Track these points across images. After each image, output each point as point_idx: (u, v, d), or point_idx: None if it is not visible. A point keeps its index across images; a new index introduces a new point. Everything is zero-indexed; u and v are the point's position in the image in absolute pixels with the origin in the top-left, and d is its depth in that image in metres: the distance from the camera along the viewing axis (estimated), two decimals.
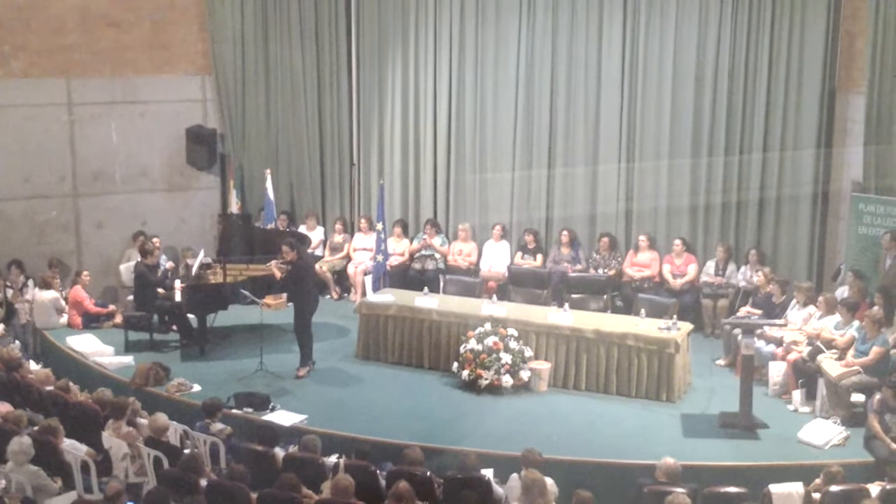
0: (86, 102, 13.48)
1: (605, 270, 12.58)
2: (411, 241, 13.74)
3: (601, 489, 7.80)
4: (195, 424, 8.91)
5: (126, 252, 13.56)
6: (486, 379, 10.35)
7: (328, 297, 13.47)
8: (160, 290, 11.99)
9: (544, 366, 10.54)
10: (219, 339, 11.94)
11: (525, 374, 10.44)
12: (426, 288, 11.91)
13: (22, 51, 13.02)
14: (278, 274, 11.03)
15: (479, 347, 10.46)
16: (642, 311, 10.87)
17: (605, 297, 12.29)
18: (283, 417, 9.65)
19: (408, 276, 13.29)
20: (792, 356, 10.14)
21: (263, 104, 14.36)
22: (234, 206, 14.19)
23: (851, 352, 9.66)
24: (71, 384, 9.71)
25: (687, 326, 10.63)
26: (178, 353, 11.65)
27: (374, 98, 14.03)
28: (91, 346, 11.60)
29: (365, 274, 13.27)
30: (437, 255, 13.40)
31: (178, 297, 11.94)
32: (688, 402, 10.22)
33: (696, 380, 10.70)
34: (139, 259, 12.13)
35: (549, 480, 7.42)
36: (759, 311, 11.10)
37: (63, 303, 12.43)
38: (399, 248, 13.57)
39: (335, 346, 11.83)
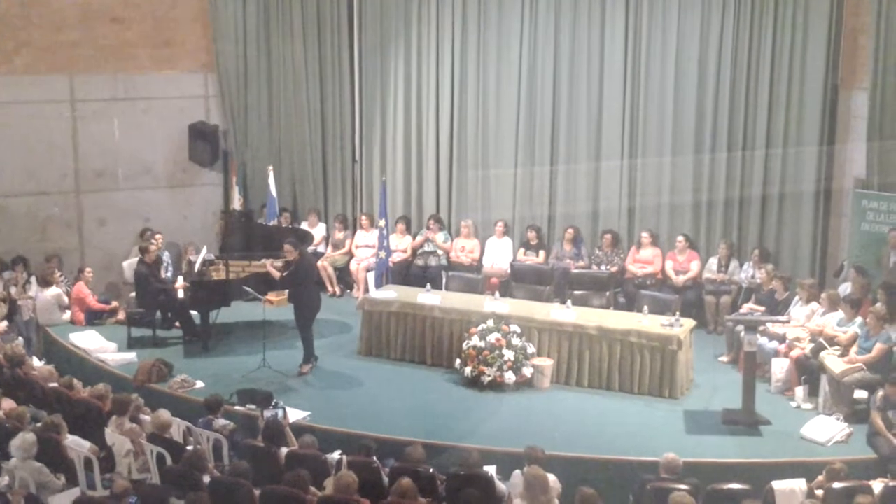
0: (88, 99, 13.48)
1: (608, 267, 12.57)
2: (414, 237, 13.74)
3: (604, 485, 7.81)
4: (198, 421, 8.91)
5: (132, 249, 13.55)
6: (489, 376, 10.35)
7: (327, 293, 13.42)
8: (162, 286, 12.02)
9: (547, 362, 10.54)
10: (221, 336, 11.94)
11: (528, 371, 10.44)
12: (429, 285, 11.88)
13: (24, 47, 13.02)
14: (275, 274, 11.03)
15: (482, 344, 10.45)
16: (645, 307, 10.85)
17: (607, 293, 12.28)
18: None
19: (410, 273, 13.28)
20: (795, 353, 10.14)
21: (266, 100, 14.36)
22: (237, 203, 14.17)
23: (854, 348, 9.66)
24: (75, 381, 9.73)
25: (690, 323, 10.63)
26: (180, 349, 11.65)
27: (376, 94, 14.01)
28: (94, 343, 11.63)
29: (367, 270, 13.26)
30: (440, 252, 13.40)
31: (180, 294, 11.95)
32: (690, 399, 10.22)
33: (699, 376, 10.69)
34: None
35: (551, 477, 7.42)
36: (761, 308, 11.09)
37: (66, 299, 12.45)
38: (402, 245, 13.55)
39: (338, 343, 11.83)
